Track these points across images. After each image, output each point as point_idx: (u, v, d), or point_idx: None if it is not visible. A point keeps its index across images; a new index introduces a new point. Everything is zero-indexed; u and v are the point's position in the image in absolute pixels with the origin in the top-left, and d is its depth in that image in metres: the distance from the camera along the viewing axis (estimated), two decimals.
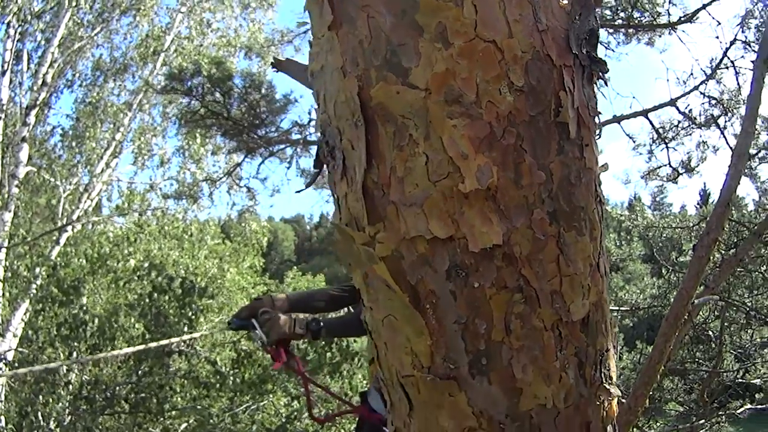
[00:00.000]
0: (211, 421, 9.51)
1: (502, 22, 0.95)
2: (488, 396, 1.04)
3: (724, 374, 9.15)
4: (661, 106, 8.27)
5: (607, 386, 1.15)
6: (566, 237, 1.03)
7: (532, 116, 0.99)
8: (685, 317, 6.93)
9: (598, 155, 1.10)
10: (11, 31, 10.82)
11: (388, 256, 1.05)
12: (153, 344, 7.60)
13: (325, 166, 1.17)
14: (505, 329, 1.02)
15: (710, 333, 9.17)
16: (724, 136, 7.70)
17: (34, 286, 10.33)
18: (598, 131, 1.09)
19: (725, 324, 8.96)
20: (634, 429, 9.00)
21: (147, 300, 9.99)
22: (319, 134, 1.18)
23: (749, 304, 8.75)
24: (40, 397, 9.65)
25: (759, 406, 9.29)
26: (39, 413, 9.65)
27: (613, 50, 8.91)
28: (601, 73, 1.07)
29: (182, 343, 9.57)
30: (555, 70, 1.00)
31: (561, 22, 1.00)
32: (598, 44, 1.05)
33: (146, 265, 10.26)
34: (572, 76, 1.01)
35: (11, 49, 10.85)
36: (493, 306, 1.01)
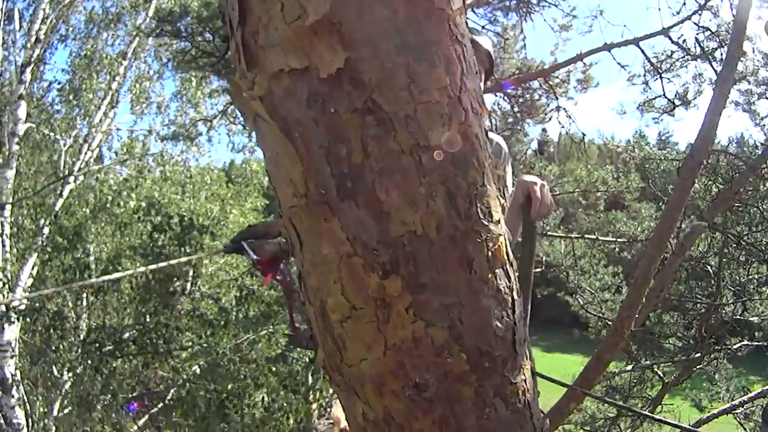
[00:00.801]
0: (218, 359, 9.78)
1: None
2: (358, 220, 1.12)
3: (723, 311, 9.21)
4: (653, 35, 8.18)
5: (486, 222, 1.20)
6: (416, 67, 1.11)
7: None
8: (674, 245, 7.00)
9: (454, 1, 1.17)
10: None
11: (263, 94, 1.16)
12: (152, 266, 7.70)
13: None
14: (363, 151, 1.09)
15: (708, 269, 9.22)
16: (713, 68, 7.65)
17: (39, 239, 10.49)
18: None
19: (723, 260, 9.01)
20: (630, 360, 9.18)
21: (148, 240, 10.16)
22: None
23: (747, 240, 8.76)
24: (52, 345, 9.93)
25: (757, 343, 9.34)
26: (51, 361, 9.96)
27: None
28: None
29: (185, 279, 9.80)
30: None
31: None
32: None
33: (144, 205, 10.39)
34: None
35: (1, 9, 10.77)
36: (349, 128, 1.10)
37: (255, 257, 2.16)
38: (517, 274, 1.36)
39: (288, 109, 1.14)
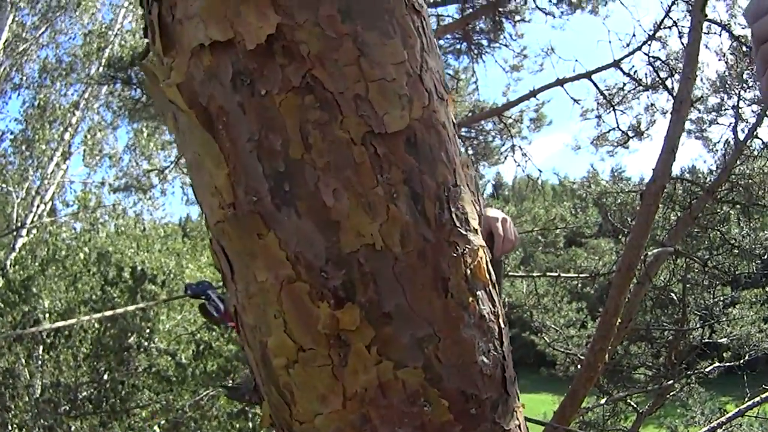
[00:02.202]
0: (178, 416, 9.41)
1: None
2: (301, 233, 0.86)
3: (690, 335, 9.25)
4: (604, 67, 8.24)
5: (463, 232, 0.96)
6: (366, 37, 0.88)
7: None
8: (640, 271, 6.95)
9: None
10: None
11: (182, 81, 0.91)
12: (108, 312, 7.38)
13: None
14: (303, 143, 0.85)
15: (673, 295, 9.25)
16: (670, 94, 7.70)
17: None
18: None
19: (687, 285, 9.05)
20: (602, 395, 9.06)
21: (100, 293, 9.82)
22: None
23: (710, 263, 8.81)
24: (5, 403, 9.46)
25: (727, 364, 9.38)
26: (4, 422, 9.46)
27: (554, 17, 8.93)
28: None
29: (141, 338, 9.46)
30: None
31: None
32: None
33: (94, 258, 10.08)
34: None
35: None
36: (284, 114, 0.85)
37: (220, 307, 1.95)
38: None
39: (209, 94, 0.89)
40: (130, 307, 7.61)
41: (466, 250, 0.97)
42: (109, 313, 7.08)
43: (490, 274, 1.03)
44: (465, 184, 0.98)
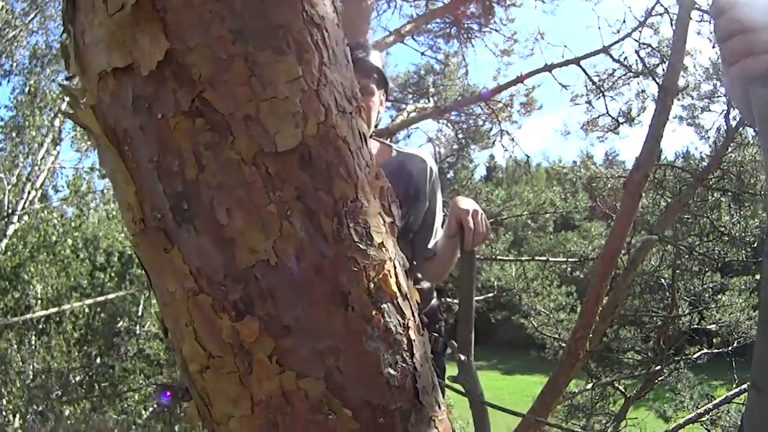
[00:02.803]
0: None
1: None
2: (200, 249, 0.91)
3: (680, 321, 9.29)
4: (593, 53, 8.21)
5: (363, 247, 0.98)
6: (258, 56, 0.90)
7: None
8: (624, 258, 6.98)
9: None
10: None
11: (95, 104, 0.95)
12: (100, 298, 7.44)
13: None
14: (197, 164, 0.89)
15: (662, 281, 9.28)
16: (657, 83, 7.68)
17: None
18: None
19: (677, 272, 9.08)
20: (590, 378, 9.13)
21: (89, 279, 9.87)
22: None
23: (699, 250, 8.85)
24: None
25: (716, 350, 9.42)
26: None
27: (543, 2, 8.90)
28: None
29: (131, 322, 9.53)
30: None
31: None
32: None
33: (81, 245, 10.11)
34: None
35: None
36: (178, 136, 0.89)
37: None
38: (420, 304, 1.15)
39: (115, 117, 0.93)
40: (120, 293, 7.64)
41: (368, 263, 0.99)
42: (100, 299, 7.10)
43: (399, 286, 1.05)
44: (369, 197, 1.00)
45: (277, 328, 0.93)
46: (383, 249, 1.02)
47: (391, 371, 1.01)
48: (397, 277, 1.06)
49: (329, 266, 0.95)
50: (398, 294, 1.05)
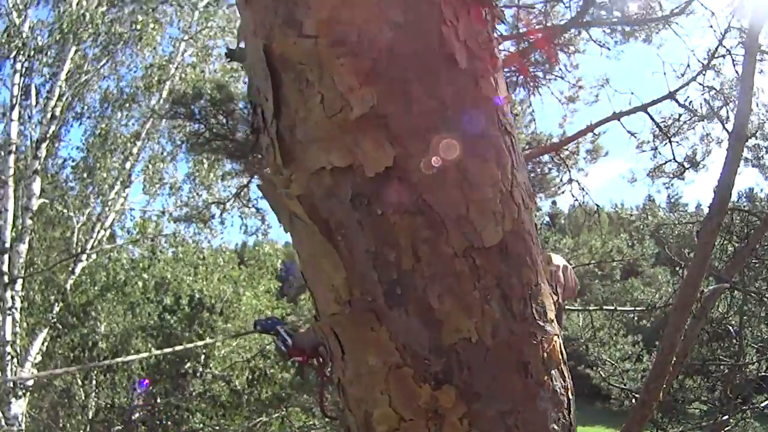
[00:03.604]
0: None
1: None
2: (409, 329, 1.03)
3: (747, 369, 9.03)
4: (660, 99, 8.21)
5: (542, 323, 1.12)
6: (467, 162, 1.03)
7: (415, 49, 1.03)
8: (697, 308, 6.88)
9: (500, 87, 1.11)
10: (18, 66, 10.97)
11: (302, 194, 1.08)
12: (166, 350, 7.63)
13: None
14: (414, 256, 1.01)
15: (729, 328, 9.06)
16: (725, 127, 7.64)
17: (50, 314, 10.44)
18: (494, 62, 1.10)
19: (744, 318, 8.86)
20: (656, 430, 8.90)
21: (158, 320, 10.09)
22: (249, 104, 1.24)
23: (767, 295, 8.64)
24: (60, 422, 9.75)
25: None
26: None
27: (608, 48, 8.95)
28: (488, 9, 1.09)
29: (197, 364, 9.69)
30: (434, 6, 1.03)
31: None
32: None
33: (152, 286, 10.35)
34: (455, 11, 1.04)
35: (19, 84, 11.02)
36: (398, 232, 1.02)
37: (288, 342, 2.05)
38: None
39: (329, 210, 1.06)
40: (199, 343, 7.84)
41: (544, 337, 1.14)
42: (168, 350, 7.30)
43: (562, 355, 1.19)
44: (545, 280, 1.13)
45: (470, 394, 1.07)
46: (553, 324, 1.17)
47: (555, 426, 1.16)
48: (561, 347, 1.21)
49: (516, 341, 1.10)
50: (561, 361, 1.21)
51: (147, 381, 10.17)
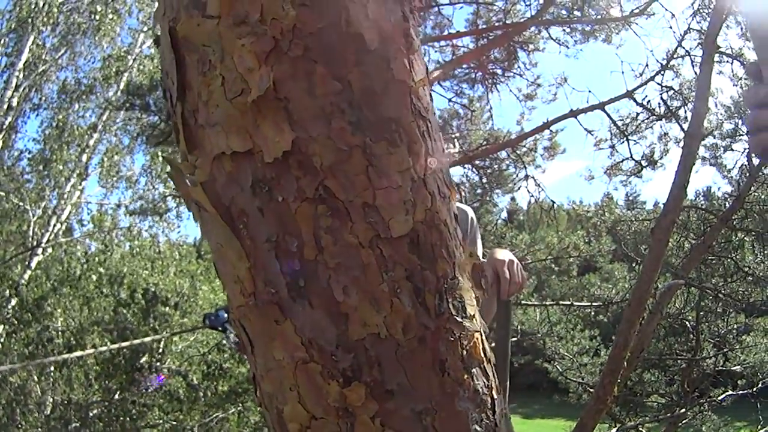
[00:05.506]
0: None
1: None
2: (314, 322, 0.98)
3: (704, 363, 9.21)
4: (618, 98, 8.31)
5: (459, 319, 1.06)
6: (374, 148, 0.98)
7: (319, 28, 0.98)
8: (651, 304, 6.96)
9: (416, 70, 1.06)
10: None
11: (206, 181, 1.03)
12: (124, 343, 7.52)
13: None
14: (316, 245, 0.96)
15: (686, 323, 9.22)
16: (681, 127, 7.74)
17: (5, 310, 10.22)
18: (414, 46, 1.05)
19: (701, 313, 9.03)
20: (614, 423, 9.03)
21: (113, 314, 9.93)
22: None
23: (723, 291, 8.80)
24: (16, 419, 9.56)
25: (741, 392, 9.32)
26: None
27: (567, 47, 9.03)
28: None
29: (153, 359, 9.57)
30: None
31: None
32: None
33: (105, 281, 10.20)
34: None
35: None
36: (299, 220, 0.97)
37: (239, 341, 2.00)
38: (494, 363, 1.22)
39: (231, 197, 1.01)
40: (147, 339, 7.72)
41: (462, 334, 1.08)
42: (125, 344, 7.18)
43: (485, 352, 1.14)
44: (464, 274, 1.08)
45: (381, 392, 1.01)
46: (474, 320, 1.11)
47: (477, 428, 1.10)
48: (483, 344, 1.15)
49: (431, 337, 1.04)
50: (484, 359, 1.15)
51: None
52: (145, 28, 13.03)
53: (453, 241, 1.08)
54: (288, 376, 1.04)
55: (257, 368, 1.11)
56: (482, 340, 1.14)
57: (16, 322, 10.27)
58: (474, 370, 1.10)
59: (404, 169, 1.00)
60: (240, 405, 9.86)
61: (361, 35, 0.98)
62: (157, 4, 1.14)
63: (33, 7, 10.97)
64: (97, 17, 11.96)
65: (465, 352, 1.08)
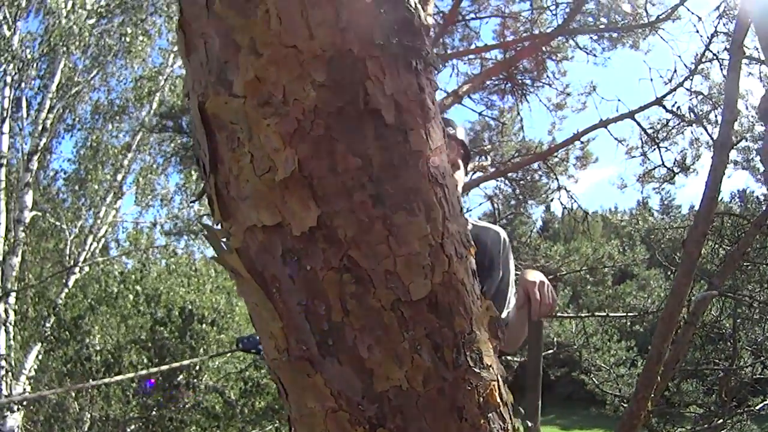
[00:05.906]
0: None
1: (303, 27, 1.03)
2: (342, 377, 1.07)
3: (742, 372, 9.05)
4: (647, 106, 8.29)
5: (477, 370, 1.15)
6: (394, 218, 1.06)
7: (339, 107, 1.05)
8: (685, 316, 6.90)
9: (433, 138, 1.13)
10: (8, 79, 11.02)
11: (239, 247, 1.12)
12: (161, 367, 7.66)
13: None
14: (342, 309, 1.05)
15: (723, 332, 9.09)
16: (709, 135, 7.70)
17: (44, 328, 10.47)
18: (430, 114, 1.13)
19: (738, 321, 8.88)
20: None
21: (150, 333, 10.12)
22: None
23: (759, 299, 8.65)
24: None
25: None
26: None
27: (595, 56, 9.03)
28: (419, 60, 1.11)
29: (190, 376, 9.73)
30: (359, 62, 1.05)
31: (366, 17, 1.06)
32: (420, 32, 1.10)
33: (142, 300, 10.39)
34: (381, 65, 1.06)
35: (9, 97, 11.06)
36: (326, 287, 1.05)
37: None
38: (513, 407, 1.30)
39: (264, 264, 1.10)
40: (185, 362, 7.88)
41: (480, 383, 1.17)
42: (165, 368, 7.33)
43: (502, 397, 1.23)
44: (481, 327, 1.16)
45: None
46: (491, 369, 1.20)
47: None
48: (500, 390, 1.23)
49: (449, 388, 1.13)
50: (500, 403, 1.23)
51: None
52: (175, 48, 13.22)
53: (470, 297, 1.17)
54: (319, 422, 1.13)
55: (291, 412, 1.22)
56: (499, 386, 1.22)
57: (54, 340, 10.50)
58: (490, 414, 1.19)
59: (422, 236, 1.09)
60: (277, 422, 9.97)
61: (378, 111, 1.06)
62: (185, 77, 1.23)
63: (65, 30, 11.25)
64: (128, 39, 12.22)
65: (482, 399, 1.17)
